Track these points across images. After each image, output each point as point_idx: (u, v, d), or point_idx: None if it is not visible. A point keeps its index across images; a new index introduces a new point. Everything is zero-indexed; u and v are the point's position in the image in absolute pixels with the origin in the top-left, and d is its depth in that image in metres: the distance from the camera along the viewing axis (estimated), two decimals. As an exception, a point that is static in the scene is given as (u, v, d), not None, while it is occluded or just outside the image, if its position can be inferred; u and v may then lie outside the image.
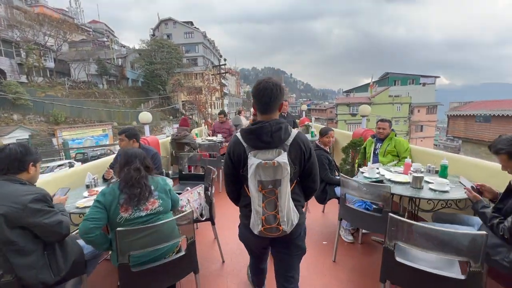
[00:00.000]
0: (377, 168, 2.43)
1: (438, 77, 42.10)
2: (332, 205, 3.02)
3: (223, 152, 4.17)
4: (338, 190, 2.63)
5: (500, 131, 14.33)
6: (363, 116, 4.17)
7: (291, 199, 1.30)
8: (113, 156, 2.97)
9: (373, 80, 39.12)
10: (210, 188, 2.32)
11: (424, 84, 41.14)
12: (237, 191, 1.47)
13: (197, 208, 2.18)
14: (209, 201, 2.31)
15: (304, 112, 8.02)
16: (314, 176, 1.42)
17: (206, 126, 6.47)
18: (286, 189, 1.25)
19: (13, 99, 19.36)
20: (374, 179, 2.21)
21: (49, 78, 26.67)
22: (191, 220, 1.64)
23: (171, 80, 35.19)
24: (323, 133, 2.82)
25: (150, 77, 33.22)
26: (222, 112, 5.68)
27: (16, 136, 18.07)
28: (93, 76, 30.51)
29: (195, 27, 41.29)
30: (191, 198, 2.13)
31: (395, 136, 3.04)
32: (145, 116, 3.89)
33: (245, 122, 7.28)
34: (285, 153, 1.26)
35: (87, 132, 22.53)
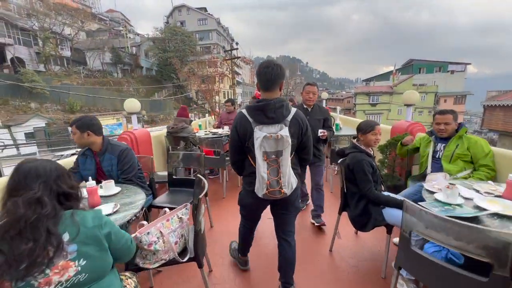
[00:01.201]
0: (450, 183, 1.53)
1: (469, 63, 38.71)
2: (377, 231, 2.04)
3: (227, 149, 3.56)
4: (388, 213, 1.80)
5: (549, 124, 12.58)
6: (408, 106, 3.19)
7: (291, 168, 1.51)
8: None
9: (396, 68, 36.61)
10: (197, 208, 1.55)
11: (452, 72, 38.03)
12: (241, 161, 1.65)
13: (177, 242, 1.44)
14: (197, 227, 1.57)
15: (324, 101, 7.07)
16: (308, 149, 1.64)
17: (213, 116, 5.70)
18: (287, 158, 1.46)
19: (30, 87, 19.52)
20: (455, 207, 1.37)
21: (65, 67, 26.88)
22: None
23: (184, 68, 34.64)
24: (366, 128, 1.93)
25: (163, 66, 32.89)
26: (230, 101, 4.88)
27: (33, 124, 18.29)
28: (108, 65, 30.51)
29: (208, 13, 40.15)
30: (167, 228, 1.39)
31: (466, 133, 2.13)
32: (131, 104, 3.06)
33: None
34: (286, 127, 1.46)
35: (102, 121, 22.51)
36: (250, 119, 1.49)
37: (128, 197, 1.67)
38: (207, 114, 7.32)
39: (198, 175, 1.78)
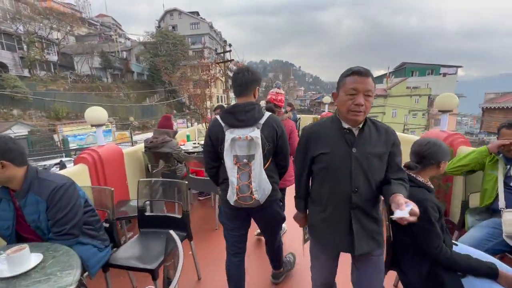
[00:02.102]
0: None
1: (461, 66, 39.15)
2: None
3: None
4: (473, 284, 1.16)
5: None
6: (443, 112, 2.57)
7: (264, 173, 1.41)
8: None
9: (389, 71, 36.61)
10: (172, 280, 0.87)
11: (444, 75, 38.39)
12: (216, 169, 1.57)
13: None
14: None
15: (327, 106, 6.47)
16: (285, 154, 1.57)
17: (204, 124, 5.03)
18: (259, 163, 1.38)
19: (12, 93, 18.46)
20: None
21: (52, 72, 25.80)
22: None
23: (176, 72, 33.99)
24: (446, 155, 1.27)
25: (154, 70, 32.14)
26: (219, 107, 4.21)
27: (14, 132, 17.21)
28: (97, 70, 29.54)
29: (201, 18, 39.64)
30: None
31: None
32: (94, 113, 2.26)
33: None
34: (259, 130, 1.39)
35: (90, 128, 21.52)
36: (222, 123, 1.45)
37: (48, 276, 0.98)
38: (196, 123, 6.64)
39: (171, 231, 1.10)
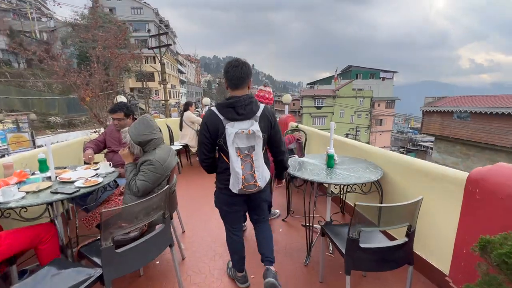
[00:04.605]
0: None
1: (396, 72, 43.37)
2: None
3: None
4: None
5: (480, 129, 13.67)
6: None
7: (263, 161, 1.59)
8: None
9: (337, 73, 38.44)
10: None
11: (383, 79, 42.05)
12: (212, 159, 1.67)
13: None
14: None
15: (287, 107, 5.30)
16: (278, 142, 1.70)
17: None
18: (259, 152, 1.54)
19: None
20: None
21: None
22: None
23: (114, 62, 29.78)
24: None
25: (85, 57, 27.40)
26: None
27: None
28: (5, 53, 23.69)
29: (144, 2, 35.49)
30: None
31: None
32: None
33: (196, 119, 4.85)
34: (257, 123, 1.52)
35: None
36: (221, 117, 1.53)
37: None
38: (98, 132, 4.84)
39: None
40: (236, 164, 1.48)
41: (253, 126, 1.48)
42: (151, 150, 1.81)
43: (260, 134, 1.48)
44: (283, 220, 2.81)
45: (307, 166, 2.24)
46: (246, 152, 1.48)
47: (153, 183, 1.76)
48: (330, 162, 2.16)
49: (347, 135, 27.35)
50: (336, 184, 1.92)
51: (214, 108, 1.56)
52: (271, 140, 1.65)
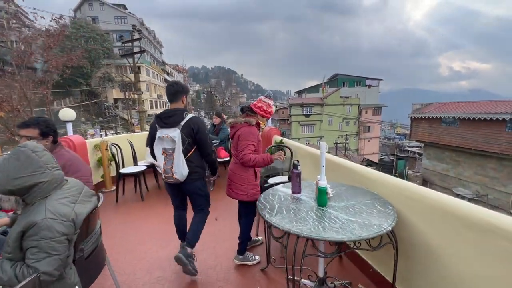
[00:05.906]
0: None
1: (382, 79, 44.15)
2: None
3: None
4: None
5: (468, 135, 13.55)
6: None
7: (184, 160, 1.97)
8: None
9: (324, 81, 38.65)
10: None
11: (369, 87, 42.59)
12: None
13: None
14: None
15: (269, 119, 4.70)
16: (203, 145, 2.06)
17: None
18: (179, 152, 1.94)
19: None
20: None
21: None
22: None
23: (97, 73, 28.72)
24: None
25: (66, 67, 26.28)
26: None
27: None
28: (-24, 63, 22.27)
29: (129, 12, 34.87)
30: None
31: None
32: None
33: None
34: (179, 130, 1.94)
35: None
36: (156, 124, 2.02)
37: None
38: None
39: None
40: (159, 160, 2.02)
41: (174, 132, 1.93)
42: (39, 200, 1.14)
43: (177, 139, 1.91)
44: (262, 269, 2.15)
45: (290, 204, 1.62)
46: (170, 151, 1.96)
47: (63, 251, 1.10)
48: (322, 198, 1.56)
49: (336, 144, 27.13)
50: (332, 242, 1.29)
51: (156, 118, 2.05)
52: (197, 144, 2.04)
